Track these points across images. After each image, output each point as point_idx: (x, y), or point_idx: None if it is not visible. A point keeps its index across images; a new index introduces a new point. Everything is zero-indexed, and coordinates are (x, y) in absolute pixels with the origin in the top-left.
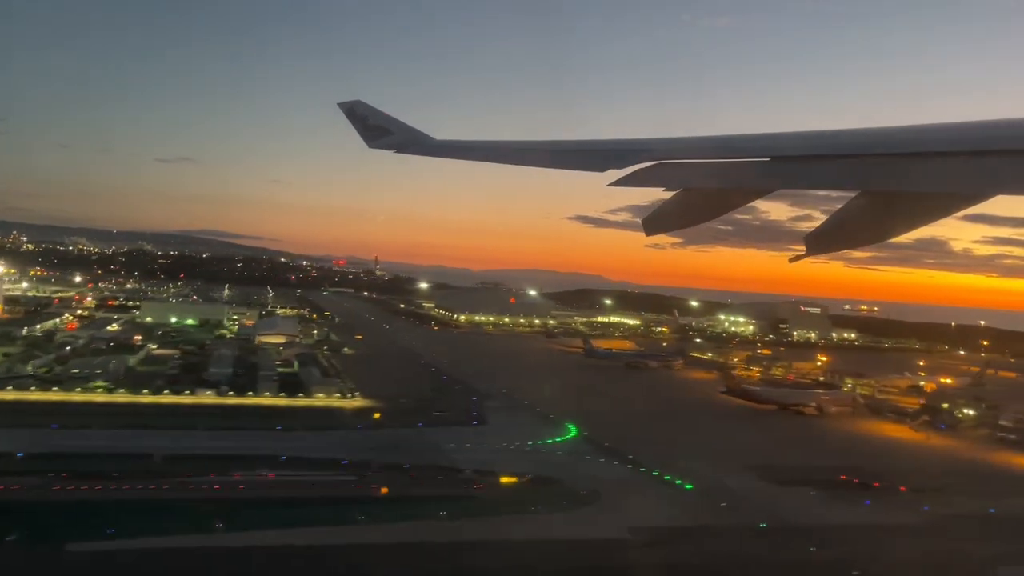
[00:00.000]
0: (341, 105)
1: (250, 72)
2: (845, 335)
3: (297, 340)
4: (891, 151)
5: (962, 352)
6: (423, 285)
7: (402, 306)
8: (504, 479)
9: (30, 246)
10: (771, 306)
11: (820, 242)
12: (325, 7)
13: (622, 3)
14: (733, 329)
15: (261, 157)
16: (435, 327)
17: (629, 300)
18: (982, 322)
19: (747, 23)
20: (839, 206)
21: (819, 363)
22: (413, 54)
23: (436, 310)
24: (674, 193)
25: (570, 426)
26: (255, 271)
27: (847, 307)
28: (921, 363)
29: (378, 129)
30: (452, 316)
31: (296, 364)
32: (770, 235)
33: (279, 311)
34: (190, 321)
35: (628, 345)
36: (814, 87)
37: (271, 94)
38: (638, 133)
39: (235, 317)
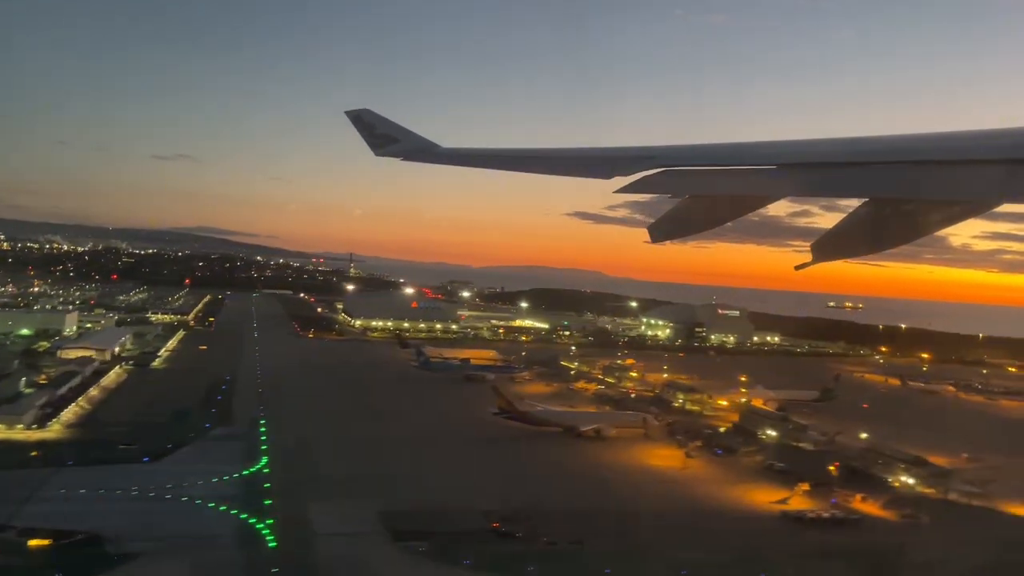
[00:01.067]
0: (348, 113)
1: (252, 69)
2: (769, 338)
3: (94, 355)
4: (899, 159)
5: (879, 357)
6: (350, 287)
7: (320, 310)
8: (36, 541)
9: (6, 245)
10: (689, 309)
11: (827, 249)
12: (324, 7)
13: (627, 4)
14: (651, 333)
15: (261, 154)
16: (313, 335)
17: (583, 300)
18: (929, 325)
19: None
20: (840, 202)
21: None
22: (410, 53)
23: (341, 315)
24: (680, 200)
25: (264, 460)
26: (225, 269)
27: (831, 304)
28: (832, 368)
29: (385, 137)
30: (350, 322)
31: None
32: (770, 231)
33: (154, 317)
34: (24, 331)
35: (488, 355)
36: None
37: (272, 91)
38: (644, 134)
39: (88, 325)
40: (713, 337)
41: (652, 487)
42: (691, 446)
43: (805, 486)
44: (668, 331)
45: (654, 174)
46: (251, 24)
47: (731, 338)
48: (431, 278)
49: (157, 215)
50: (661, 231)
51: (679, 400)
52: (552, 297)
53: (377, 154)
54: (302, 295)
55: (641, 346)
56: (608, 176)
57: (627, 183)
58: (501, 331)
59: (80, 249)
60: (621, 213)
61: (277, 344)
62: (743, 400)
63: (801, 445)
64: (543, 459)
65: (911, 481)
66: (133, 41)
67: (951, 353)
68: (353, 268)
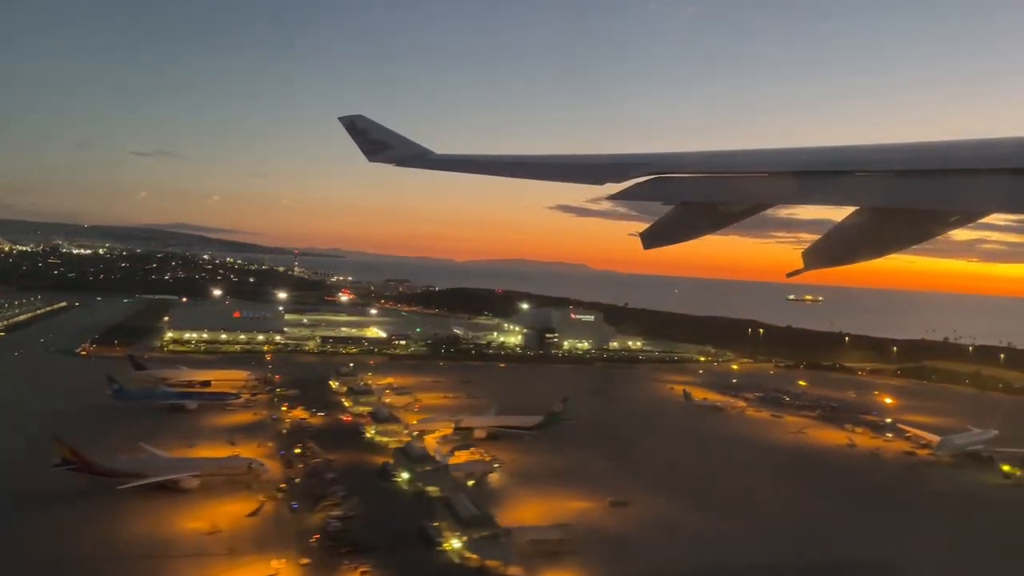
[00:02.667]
0: (342, 119)
1: (236, 65)
2: (630, 343)
3: None
4: (888, 168)
5: (715, 364)
6: (217, 292)
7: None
8: None
9: None
10: (543, 313)
11: (818, 257)
12: (312, 5)
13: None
14: (503, 339)
15: (244, 151)
16: (88, 353)
17: (495, 301)
18: (832, 324)
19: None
20: (823, 206)
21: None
22: (399, 55)
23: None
24: (672, 207)
25: None
26: (171, 268)
27: (791, 297)
28: (652, 377)
29: (378, 143)
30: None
31: None
32: (755, 223)
33: None
34: None
35: (238, 376)
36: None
37: (257, 88)
38: (634, 134)
39: None
40: (566, 343)
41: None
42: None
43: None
44: (519, 337)
45: (646, 181)
46: (237, 21)
47: (584, 344)
48: (396, 273)
49: (135, 212)
50: (654, 238)
51: (370, 431)
52: (466, 297)
53: (371, 160)
54: (183, 299)
55: (479, 355)
56: (600, 183)
57: (619, 190)
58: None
59: (17, 248)
60: (603, 207)
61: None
62: (446, 428)
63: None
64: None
65: (457, 545)
66: (118, 37)
67: (820, 355)
68: (297, 267)
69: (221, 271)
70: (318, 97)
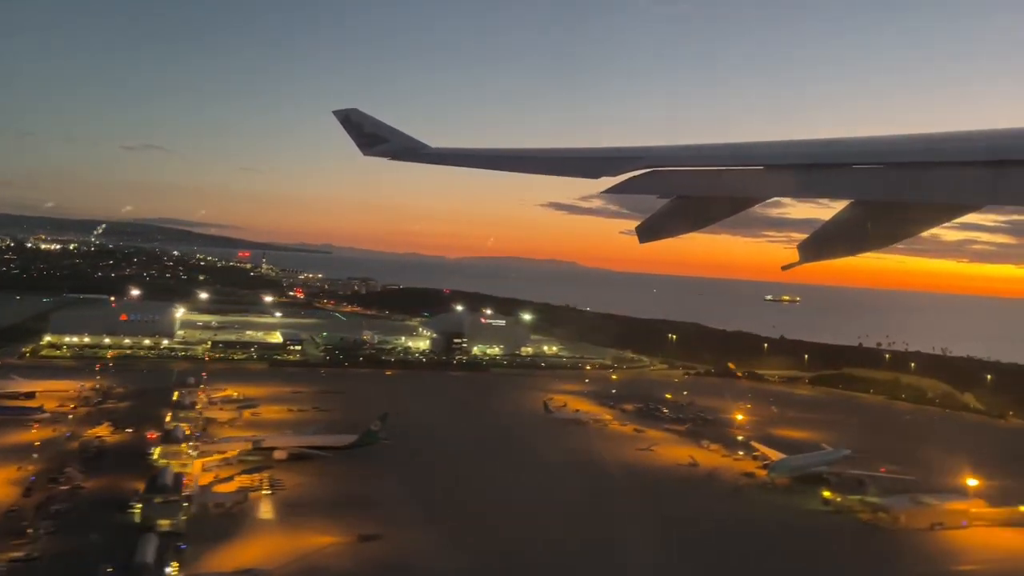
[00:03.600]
0: (336, 113)
1: (226, 60)
2: (546, 348)
3: None
4: (883, 161)
5: (613, 372)
6: (135, 292)
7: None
8: None
9: None
10: (454, 318)
11: (813, 250)
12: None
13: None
14: (412, 344)
15: (233, 145)
16: None
17: (442, 301)
18: (774, 327)
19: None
20: (819, 199)
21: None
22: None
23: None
24: (668, 201)
25: None
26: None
27: (768, 297)
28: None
29: (373, 137)
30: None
31: None
32: (743, 222)
33: None
34: None
35: (66, 387)
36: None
37: (247, 83)
38: (628, 128)
39: None
40: (476, 349)
41: None
42: None
43: None
44: (427, 343)
45: (641, 175)
46: (226, 16)
47: (495, 349)
48: (381, 271)
49: (122, 206)
50: (649, 232)
51: (156, 453)
52: (411, 298)
53: (366, 154)
54: (112, 299)
55: (376, 362)
56: (595, 176)
57: (614, 183)
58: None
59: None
60: (595, 204)
61: None
62: (241, 449)
63: None
64: None
65: None
66: (110, 32)
67: (746, 360)
68: (265, 263)
69: (181, 268)
70: (311, 92)
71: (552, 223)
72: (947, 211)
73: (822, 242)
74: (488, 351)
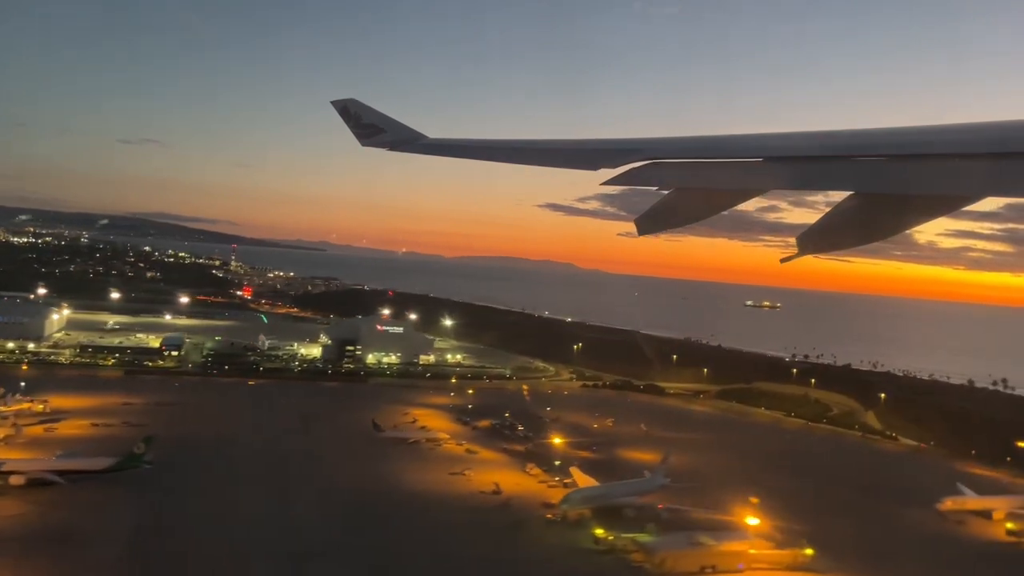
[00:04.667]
0: (335, 103)
1: (225, 56)
2: (449, 356)
3: None
4: (883, 152)
5: (547, 377)
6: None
7: None
8: None
9: None
10: (350, 324)
11: (812, 242)
12: None
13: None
14: (304, 352)
15: (230, 141)
16: None
17: (370, 304)
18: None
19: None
20: (811, 198)
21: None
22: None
23: None
24: (667, 193)
25: None
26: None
27: (749, 302)
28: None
29: (371, 128)
30: None
31: None
32: (740, 225)
33: None
34: None
35: None
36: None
37: (246, 78)
38: (627, 124)
39: None
40: (371, 357)
41: None
42: None
43: None
44: (319, 350)
45: (640, 167)
46: (225, 10)
47: (391, 357)
48: (371, 270)
49: (117, 200)
50: (648, 224)
51: None
52: (353, 300)
53: (363, 144)
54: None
55: (252, 371)
56: (594, 168)
57: (613, 175)
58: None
59: None
60: (592, 206)
61: None
62: None
63: None
64: None
65: None
66: (107, 25)
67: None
68: (234, 261)
69: (142, 264)
70: (309, 88)
71: (549, 224)
72: (947, 202)
73: (821, 234)
74: (384, 359)
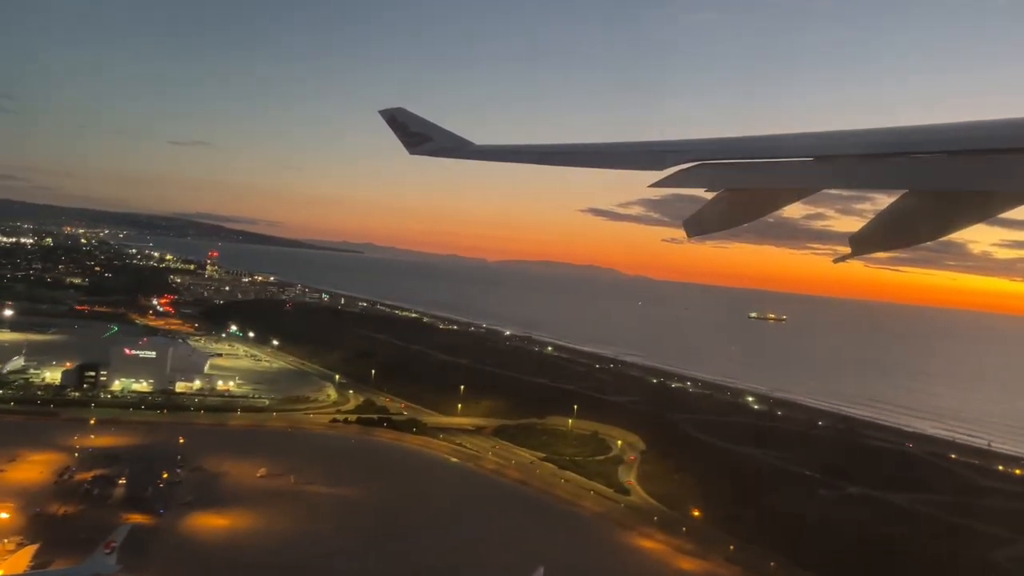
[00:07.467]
0: (382, 112)
1: (275, 59)
2: (220, 384)
3: None
4: (942, 148)
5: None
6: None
7: None
8: None
9: None
10: (97, 345)
11: (866, 243)
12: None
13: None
14: (48, 376)
15: (277, 143)
16: None
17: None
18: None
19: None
20: (855, 206)
21: None
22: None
23: None
24: (715, 194)
25: None
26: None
27: (753, 314)
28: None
29: (419, 136)
30: None
31: None
32: (786, 232)
33: None
34: None
35: None
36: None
37: (294, 82)
38: (673, 130)
39: None
40: (117, 384)
41: None
42: None
43: None
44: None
45: (689, 168)
46: (275, 15)
47: (144, 384)
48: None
49: (162, 200)
50: (697, 226)
51: None
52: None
53: (412, 152)
54: None
55: None
56: (643, 169)
57: (661, 177)
58: None
59: None
60: (635, 211)
61: None
62: None
63: None
64: None
65: None
66: (160, 27)
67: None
68: (210, 265)
69: (99, 268)
70: (356, 92)
71: (592, 228)
72: (1004, 200)
73: (875, 234)
74: (134, 386)
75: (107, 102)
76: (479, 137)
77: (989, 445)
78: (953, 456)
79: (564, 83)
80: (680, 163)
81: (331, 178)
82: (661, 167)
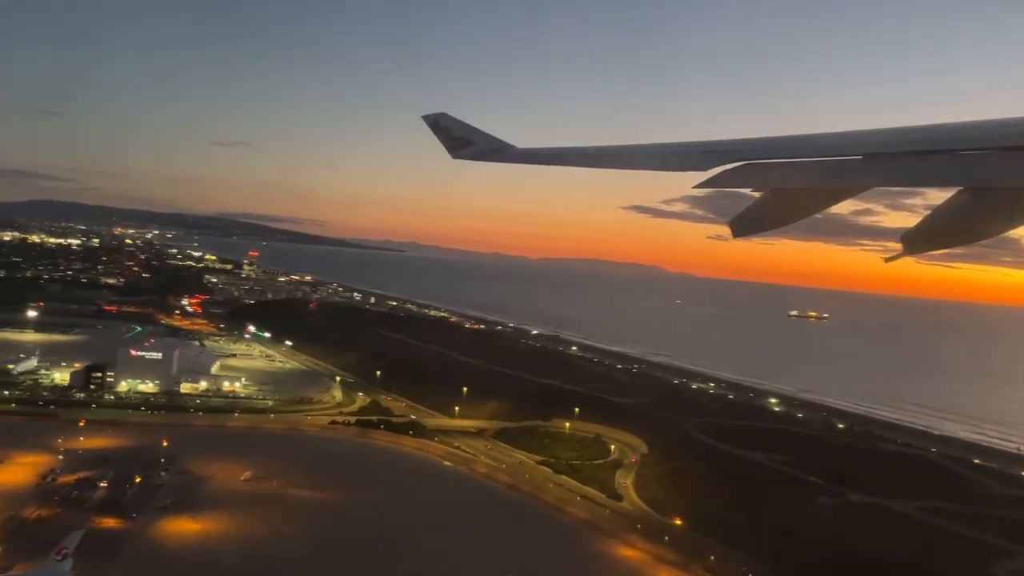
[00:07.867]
0: (425, 118)
1: (317, 60)
2: (227, 385)
3: None
4: (995, 144)
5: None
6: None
7: None
8: None
9: None
10: (106, 347)
11: (918, 241)
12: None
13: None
14: (57, 377)
15: (317, 144)
16: None
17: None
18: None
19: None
20: (905, 200)
21: None
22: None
23: None
24: (762, 194)
25: None
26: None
27: (794, 312)
28: None
29: (461, 140)
30: None
31: None
32: (834, 228)
33: None
34: None
35: None
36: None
37: (336, 83)
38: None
39: None
40: (124, 385)
41: None
42: None
43: None
44: (67, 375)
45: (734, 168)
46: (316, 18)
47: (150, 385)
48: (491, 268)
49: (207, 200)
50: (743, 226)
51: None
52: (270, 312)
53: (454, 156)
54: None
55: None
56: (686, 170)
57: (706, 178)
58: None
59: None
60: (678, 208)
61: None
62: None
63: None
64: None
65: None
66: (203, 32)
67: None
68: (247, 265)
69: (137, 268)
70: (392, 93)
71: (634, 225)
72: None
73: (928, 233)
74: (141, 387)
75: (153, 105)
76: (515, 137)
77: (1019, 449)
78: (977, 461)
79: (604, 86)
80: (725, 163)
81: (373, 178)
82: (706, 168)
